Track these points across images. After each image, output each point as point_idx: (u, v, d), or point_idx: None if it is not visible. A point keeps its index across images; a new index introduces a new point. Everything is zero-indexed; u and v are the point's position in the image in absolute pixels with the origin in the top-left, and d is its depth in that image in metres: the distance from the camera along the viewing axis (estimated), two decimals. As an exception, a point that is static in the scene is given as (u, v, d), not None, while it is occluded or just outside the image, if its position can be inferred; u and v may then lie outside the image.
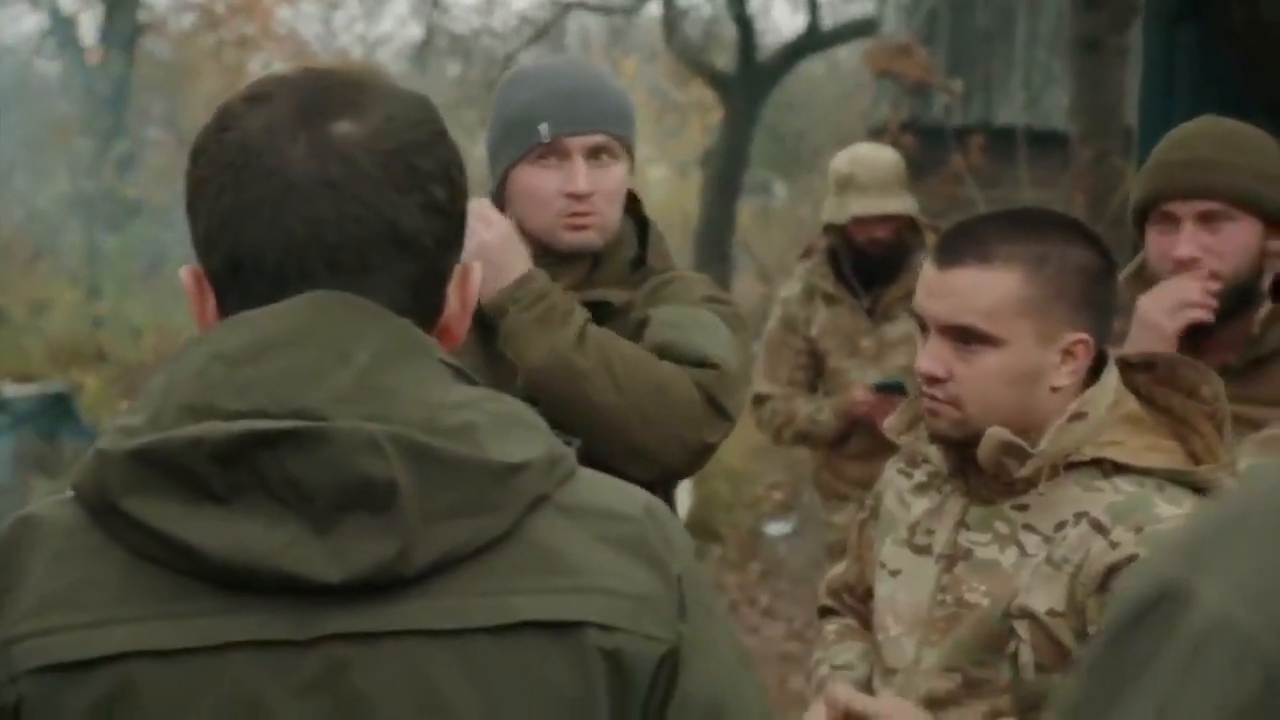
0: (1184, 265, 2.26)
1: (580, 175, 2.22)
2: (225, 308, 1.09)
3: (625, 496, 1.12)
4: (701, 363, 2.18)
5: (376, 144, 1.07)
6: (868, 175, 4.05)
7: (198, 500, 1.00)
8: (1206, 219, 2.26)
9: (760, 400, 4.23)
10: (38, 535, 1.04)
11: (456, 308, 1.14)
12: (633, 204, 2.38)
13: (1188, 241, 2.25)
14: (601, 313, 2.27)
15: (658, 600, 1.08)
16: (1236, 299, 2.24)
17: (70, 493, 1.05)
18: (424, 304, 1.10)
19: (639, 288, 2.30)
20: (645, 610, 1.07)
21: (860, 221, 4.06)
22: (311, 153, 1.06)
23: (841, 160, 4.15)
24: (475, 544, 1.02)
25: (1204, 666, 0.53)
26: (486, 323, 2.24)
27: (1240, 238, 2.24)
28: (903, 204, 4.06)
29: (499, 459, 1.03)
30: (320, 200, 1.05)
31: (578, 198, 2.22)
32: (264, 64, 19.91)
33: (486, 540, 1.02)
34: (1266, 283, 2.29)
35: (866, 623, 2.10)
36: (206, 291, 1.11)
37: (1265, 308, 2.29)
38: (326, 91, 1.09)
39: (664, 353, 2.19)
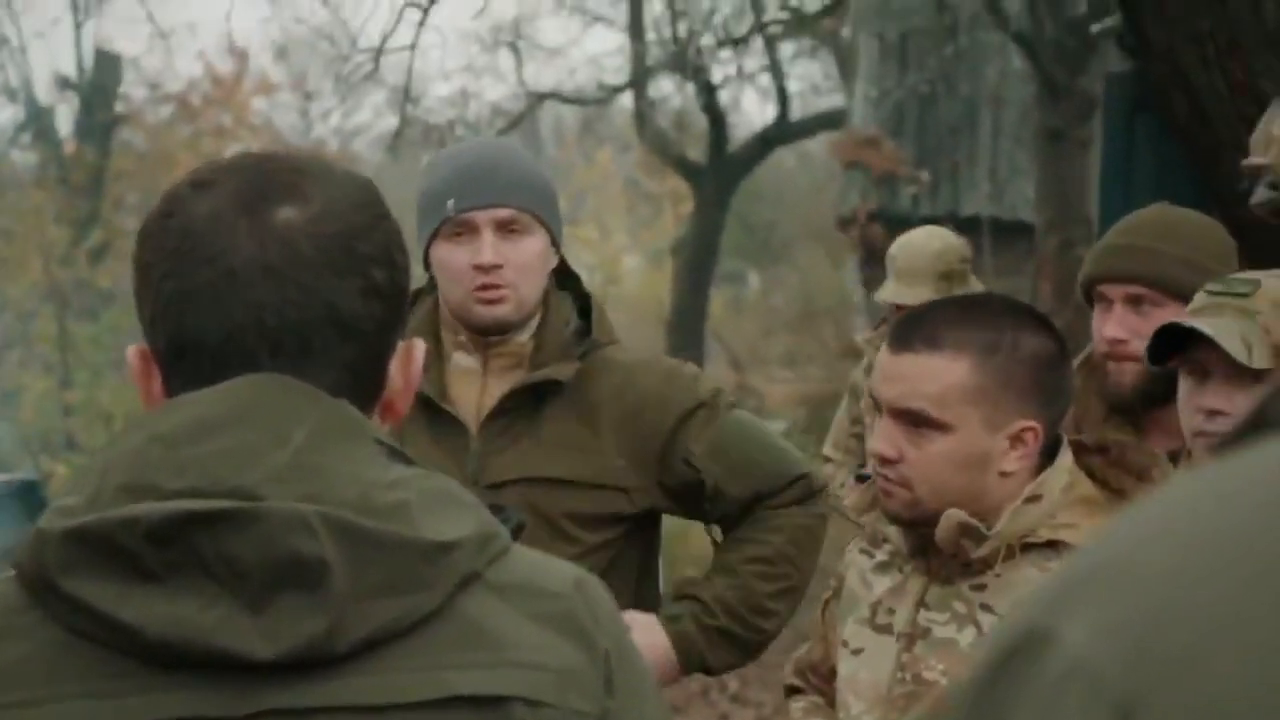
0: (1113, 345, 2.33)
1: (487, 247, 2.25)
2: (171, 389, 1.11)
3: (556, 574, 1.14)
4: (792, 481, 2.38)
5: (317, 229, 1.10)
6: (904, 261, 4.03)
7: (133, 579, 1.01)
8: (1135, 302, 2.35)
9: (824, 460, 4.31)
10: None
11: (400, 384, 1.17)
12: (572, 281, 2.42)
13: (1116, 323, 2.33)
14: (549, 390, 2.30)
15: (583, 675, 1.09)
16: (1169, 384, 2.28)
17: (12, 572, 1.07)
18: (365, 384, 1.13)
19: (585, 359, 2.33)
20: (570, 684, 1.08)
21: (897, 306, 4.05)
22: (253, 238, 1.08)
23: (895, 242, 4.16)
24: (406, 621, 1.04)
25: (1058, 711, 0.54)
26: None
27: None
28: (925, 295, 3.88)
29: (430, 538, 1.05)
30: (261, 285, 1.08)
31: (485, 269, 2.26)
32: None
33: (417, 617, 1.05)
34: None
35: (832, 701, 2.12)
36: (153, 371, 1.13)
37: None
38: (268, 177, 1.12)
39: (760, 501, 2.36)
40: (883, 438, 1.88)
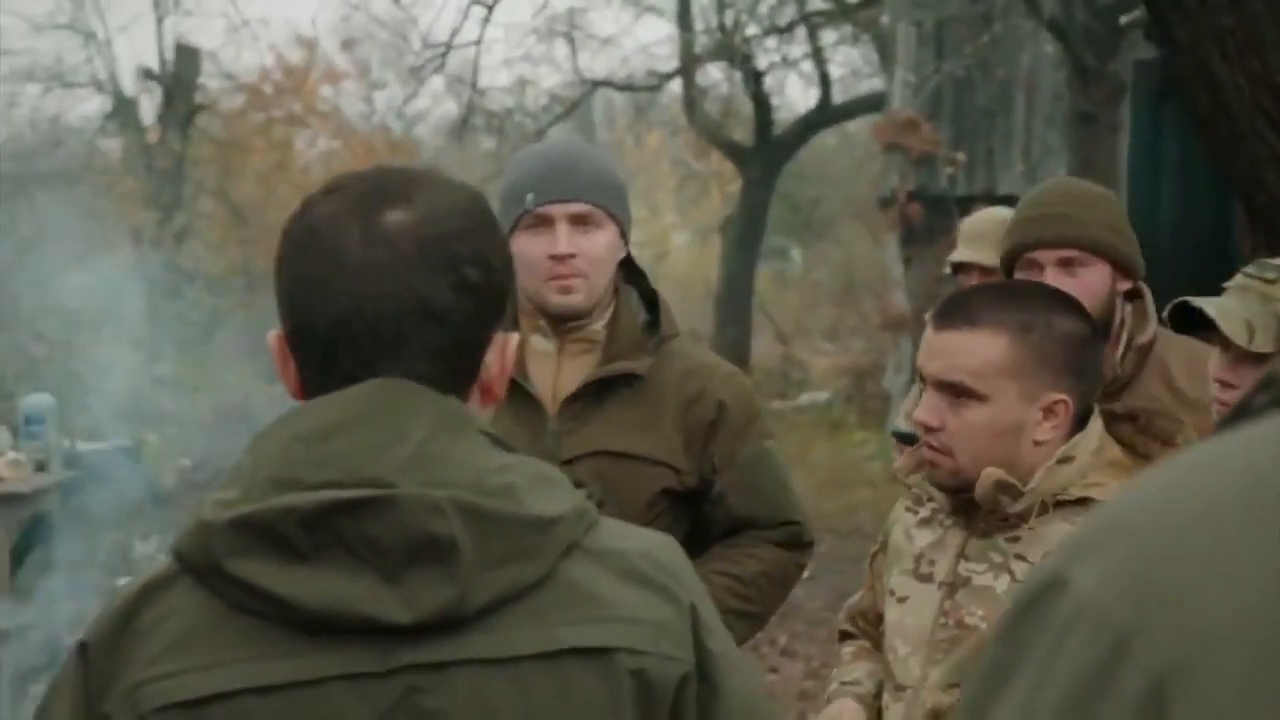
0: None
1: (562, 238, 2.34)
2: (299, 369, 1.23)
3: (640, 540, 1.27)
4: (783, 523, 2.50)
5: (419, 230, 1.20)
6: (970, 227, 4.06)
7: (289, 559, 1.13)
8: (1065, 264, 2.46)
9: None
10: (152, 596, 1.18)
11: (496, 371, 1.27)
12: (638, 277, 2.51)
13: (1050, 284, 2.41)
14: (625, 384, 2.41)
15: (673, 626, 1.22)
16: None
17: (170, 558, 1.19)
18: (458, 369, 1.23)
19: (657, 352, 2.44)
20: (664, 635, 1.21)
21: (960, 269, 4.06)
22: (363, 238, 1.20)
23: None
24: (521, 586, 1.17)
25: (1067, 645, 0.59)
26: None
27: (1095, 281, 2.45)
28: (989, 256, 3.86)
29: (537, 513, 1.17)
30: (365, 278, 1.19)
31: (560, 259, 2.35)
32: (309, 140, 20.19)
33: (530, 582, 1.17)
34: (1118, 320, 2.50)
35: (879, 645, 2.23)
36: (286, 352, 1.24)
37: (1122, 344, 2.50)
38: (385, 184, 1.23)
39: (751, 524, 2.47)
40: (926, 407, 1.99)
